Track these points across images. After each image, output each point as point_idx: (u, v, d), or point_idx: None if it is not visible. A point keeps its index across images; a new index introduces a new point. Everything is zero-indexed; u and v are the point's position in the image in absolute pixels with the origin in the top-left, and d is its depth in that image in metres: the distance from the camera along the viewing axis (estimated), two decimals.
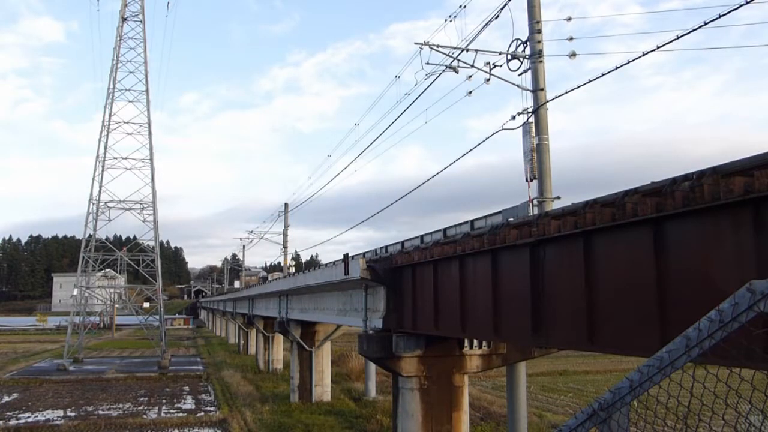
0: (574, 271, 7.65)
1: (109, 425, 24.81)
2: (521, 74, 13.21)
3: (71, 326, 49.15)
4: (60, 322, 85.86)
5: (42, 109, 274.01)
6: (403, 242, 19.04)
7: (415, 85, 15.48)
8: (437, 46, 14.53)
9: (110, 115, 51.88)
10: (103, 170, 50.56)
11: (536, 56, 12.92)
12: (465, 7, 14.49)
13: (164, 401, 31.42)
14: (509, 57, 13.37)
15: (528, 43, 13.07)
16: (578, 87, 11.46)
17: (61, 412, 27.91)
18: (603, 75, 10.92)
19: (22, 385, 37.27)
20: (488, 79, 14.28)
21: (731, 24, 25.39)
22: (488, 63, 14.05)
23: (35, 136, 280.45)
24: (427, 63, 14.65)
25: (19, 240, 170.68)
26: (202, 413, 27.94)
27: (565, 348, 11.09)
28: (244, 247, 78.99)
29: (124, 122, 52.39)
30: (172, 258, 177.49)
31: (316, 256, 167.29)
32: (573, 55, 12.96)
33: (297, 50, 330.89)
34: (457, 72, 14.54)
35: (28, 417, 26.97)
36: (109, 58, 56.86)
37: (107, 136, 51.49)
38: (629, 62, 10.40)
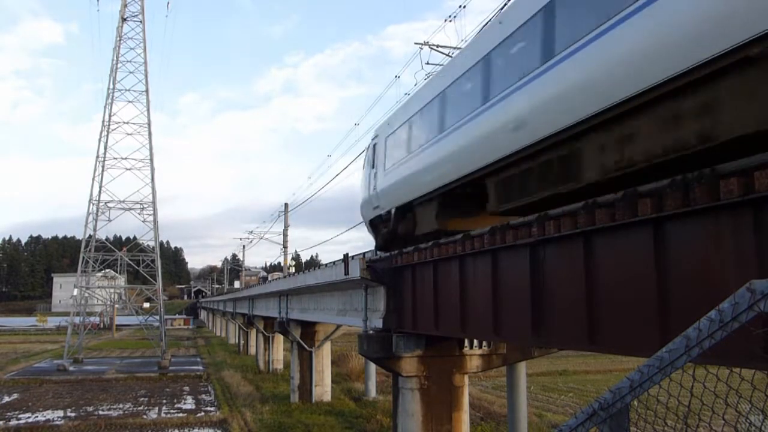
0: (574, 271, 7.66)
1: (109, 425, 24.81)
2: None
3: (71, 326, 49.13)
4: (60, 322, 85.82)
5: (42, 110, 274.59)
6: None
7: (415, 85, 15.50)
8: (437, 46, 14.57)
9: (110, 116, 51.87)
10: (103, 170, 50.57)
11: None
12: (464, 7, 14.52)
13: (164, 401, 31.42)
14: None
15: None
16: None
17: (61, 413, 27.90)
18: None
19: (22, 385, 37.26)
20: None
21: None
22: None
23: (35, 137, 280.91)
24: (427, 63, 14.72)
25: (19, 240, 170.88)
26: (202, 413, 27.94)
27: (565, 348, 11.09)
28: (244, 247, 79.20)
29: (124, 122, 52.39)
30: (172, 258, 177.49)
31: (316, 256, 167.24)
32: None
33: (295, 51, 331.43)
34: None
35: (28, 417, 26.97)
36: (109, 58, 56.75)
37: (107, 136, 51.51)
38: None
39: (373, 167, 16.50)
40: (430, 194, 12.39)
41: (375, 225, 16.38)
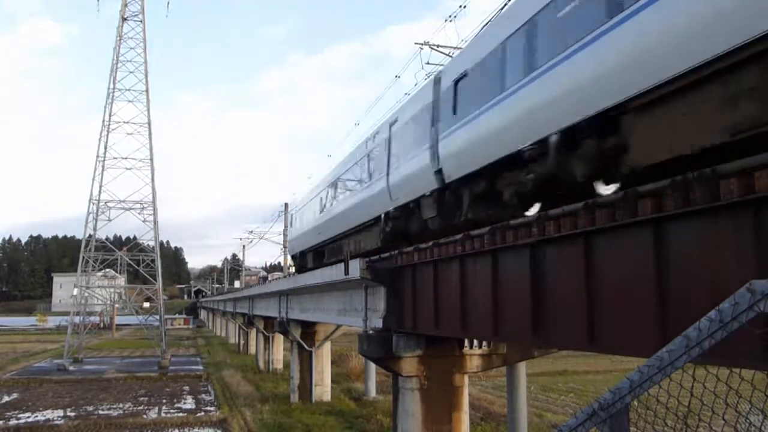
0: (574, 271, 7.66)
1: (109, 425, 24.80)
2: None
3: (71, 326, 49.09)
4: (60, 322, 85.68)
5: (42, 110, 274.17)
6: None
7: (415, 85, 15.61)
8: (437, 46, 14.58)
9: (110, 115, 51.76)
10: (103, 170, 50.46)
11: None
12: (465, 7, 14.56)
13: (164, 401, 31.41)
14: None
15: None
16: None
17: (61, 412, 27.90)
18: None
19: (22, 384, 37.24)
20: None
21: None
22: None
23: (35, 136, 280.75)
24: (427, 63, 14.76)
25: (19, 240, 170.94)
26: (202, 413, 27.95)
27: (565, 348, 11.10)
28: (244, 247, 79.32)
29: (124, 122, 52.31)
30: (172, 258, 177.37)
31: None
32: None
33: (295, 52, 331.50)
34: None
35: (28, 417, 26.97)
36: (109, 58, 56.59)
37: (107, 136, 51.40)
38: None
39: (291, 225, 33.30)
40: (311, 248, 26.84)
41: (293, 258, 32.66)
